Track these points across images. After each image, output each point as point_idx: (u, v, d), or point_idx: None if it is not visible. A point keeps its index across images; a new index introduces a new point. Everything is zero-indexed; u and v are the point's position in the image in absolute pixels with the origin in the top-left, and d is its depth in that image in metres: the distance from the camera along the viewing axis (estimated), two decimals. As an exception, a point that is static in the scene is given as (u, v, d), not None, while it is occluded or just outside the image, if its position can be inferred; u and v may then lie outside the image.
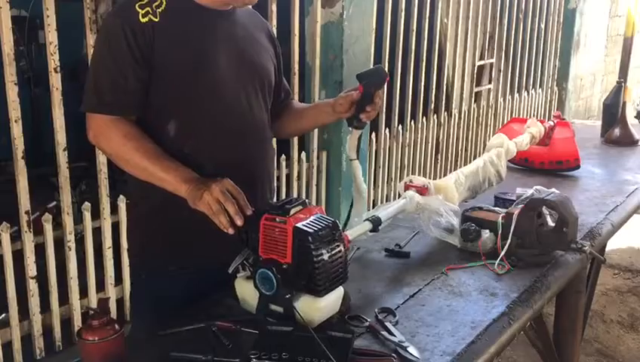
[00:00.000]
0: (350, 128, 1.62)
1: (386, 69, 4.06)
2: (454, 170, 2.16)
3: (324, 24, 3.30)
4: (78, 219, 2.62)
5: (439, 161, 4.53)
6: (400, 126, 4.03)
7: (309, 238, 1.23)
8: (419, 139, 4.25)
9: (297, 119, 1.78)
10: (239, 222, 1.31)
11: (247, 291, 1.35)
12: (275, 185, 3.05)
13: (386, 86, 4.12)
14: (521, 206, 1.71)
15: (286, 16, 3.17)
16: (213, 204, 1.32)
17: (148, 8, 1.42)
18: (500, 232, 1.70)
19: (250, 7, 1.58)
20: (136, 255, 1.66)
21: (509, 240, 1.66)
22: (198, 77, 1.47)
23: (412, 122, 4.15)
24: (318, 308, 1.27)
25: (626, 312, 3.51)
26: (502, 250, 1.66)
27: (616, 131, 3.12)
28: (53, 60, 2.33)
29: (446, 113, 4.49)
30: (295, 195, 3.35)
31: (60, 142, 2.41)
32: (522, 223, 1.66)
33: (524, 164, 2.55)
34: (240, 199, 1.34)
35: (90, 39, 2.43)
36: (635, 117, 6.87)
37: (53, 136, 2.42)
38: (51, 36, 2.31)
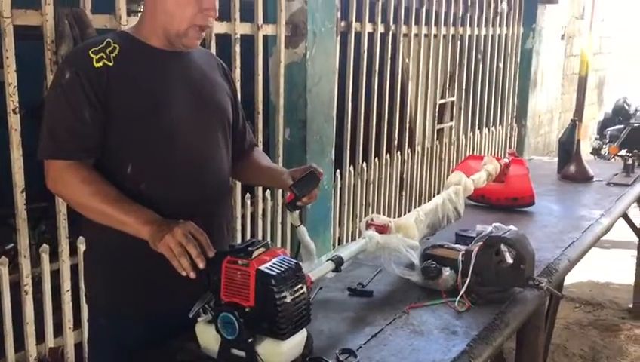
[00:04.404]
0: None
1: (349, 109, 4.09)
2: (419, 205, 2.19)
3: (288, 64, 3.36)
4: (37, 261, 2.55)
5: (404, 197, 4.58)
6: (364, 163, 4.08)
7: (272, 281, 1.23)
8: (383, 176, 4.29)
9: (254, 175, 1.81)
10: (201, 265, 1.30)
11: (208, 335, 1.33)
12: (235, 224, 3.04)
13: (350, 124, 4.14)
14: (479, 243, 1.75)
15: (250, 56, 3.21)
16: (175, 246, 1.31)
17: (102, 54, 1.44)
18: (460, 270, 1.72)
19: (202, 47, 1.61)
20: (93, 298, 1.62)
21: (468, 278, 1.69)
22: (154, 118, 1.47)
23: (376, 159, 4.21)
24: (280, 352, 1.26)
25: (587, 346, 3.56)
26: (462, 287, 1.68)
27: (572, 168, 3.22)
28: (12, 102, 2.30)
29: (409, 150, 4.57)
30: (260, 233, 3.34)
31: (18, 184, 2.36)
32: (481, 261, 1.70)
33: (481, 201, 2.60)
34: (202, 241, 1.34)
35: (50, 80, 2.41)
36: (591, 153, 7.08)
37: (11, 177, 2.37)
38: (10, 77, 2.28)
